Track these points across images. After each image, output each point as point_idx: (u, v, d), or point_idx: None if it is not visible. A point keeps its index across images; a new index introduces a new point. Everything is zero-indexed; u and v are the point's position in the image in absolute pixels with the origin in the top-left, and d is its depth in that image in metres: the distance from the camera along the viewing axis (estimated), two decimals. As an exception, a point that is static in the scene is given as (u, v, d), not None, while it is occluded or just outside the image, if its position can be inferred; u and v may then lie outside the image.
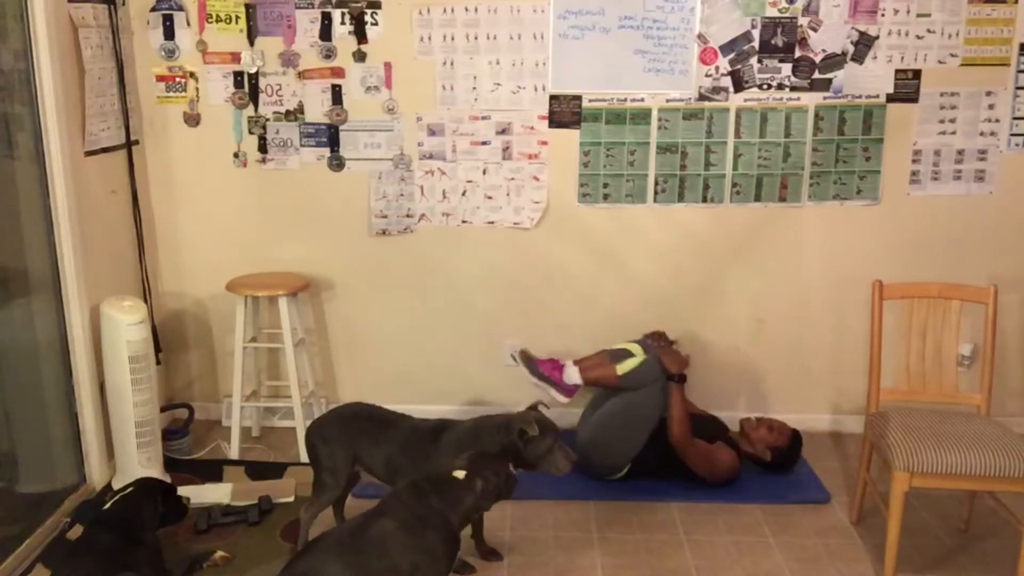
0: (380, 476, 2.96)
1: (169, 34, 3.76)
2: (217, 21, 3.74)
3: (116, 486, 3.41)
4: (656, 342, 3.62)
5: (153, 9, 3.73)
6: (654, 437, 3.42)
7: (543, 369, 3.56)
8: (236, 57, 3.77)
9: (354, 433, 2.96)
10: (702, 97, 3.75)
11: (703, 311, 3.98)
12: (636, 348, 3.57)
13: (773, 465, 3.57)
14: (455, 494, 2.56)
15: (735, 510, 3.37)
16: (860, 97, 3.73)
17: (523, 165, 3.84)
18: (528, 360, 3.60)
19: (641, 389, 3.41)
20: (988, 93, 3.72)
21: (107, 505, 2.85)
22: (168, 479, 3.38)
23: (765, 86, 3.73)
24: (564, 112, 3.78)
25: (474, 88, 3.77)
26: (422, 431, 2.96)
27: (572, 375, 3.53)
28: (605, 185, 3.84)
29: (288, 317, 3.70)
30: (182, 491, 3.06)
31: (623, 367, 3.46)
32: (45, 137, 3.17)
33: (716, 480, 3.47)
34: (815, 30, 3.67)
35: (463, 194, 3.88)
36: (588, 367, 3.53)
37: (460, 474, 2.60)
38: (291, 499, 3.39)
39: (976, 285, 3.16)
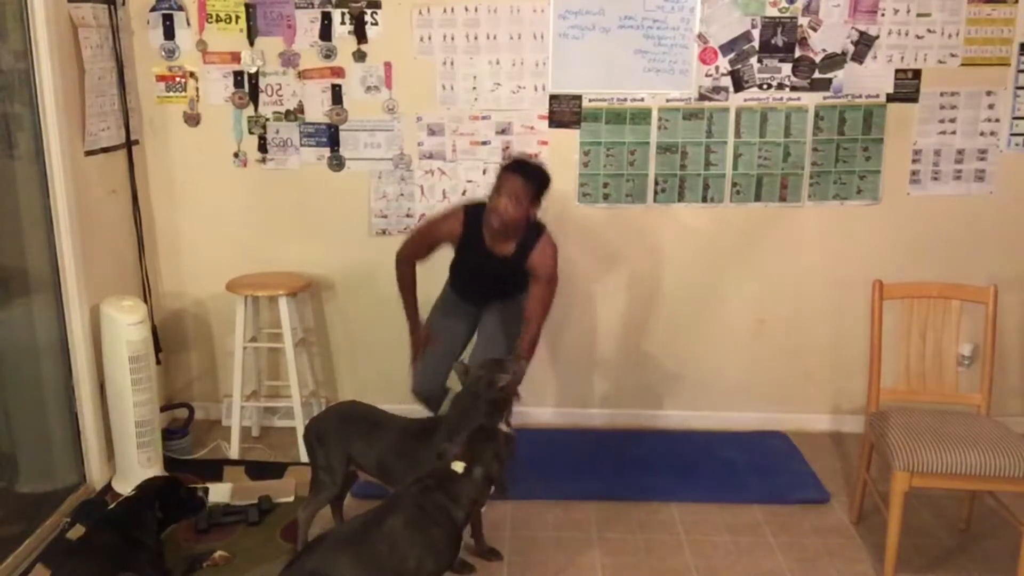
0: (375, 476, 2.96)
1: (169, 34, 3.76)
2: (217, 21, 3.74)
3: (116, 486, 3.42)
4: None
5: (153, 9, 3.73)
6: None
7: None
8: (236, 57, 3.77)
9: (348, 433, 2.96)
10: (702, 97, 3.75)
11: (703, 311, 3.98)
12: None
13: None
14: (457, 489, 2.59)
15: (735, 510, 3.37)
16: (860, 97, 3.73)
17: (523, 165, 3.83)
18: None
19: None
20: (988, 93, 3.72)
21: (111, 506, 2.85)
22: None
23: (765, 86, 3.73)
24: (564, 112, 3.78)
25: (474, 88, 3.77)
26: (412, 432, 2.94)
27: None
28: (605, 185, 3.84)
29: (288, 317, 3.69)
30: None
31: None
32: (45, 137, 3.17)
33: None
34: (815, 30, 3.67)
35: (463, 194, 3.87)
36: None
37: (459, 466, 2.59)
38: (291, 499, 3.39)
39: (976, 285, 3.16)
